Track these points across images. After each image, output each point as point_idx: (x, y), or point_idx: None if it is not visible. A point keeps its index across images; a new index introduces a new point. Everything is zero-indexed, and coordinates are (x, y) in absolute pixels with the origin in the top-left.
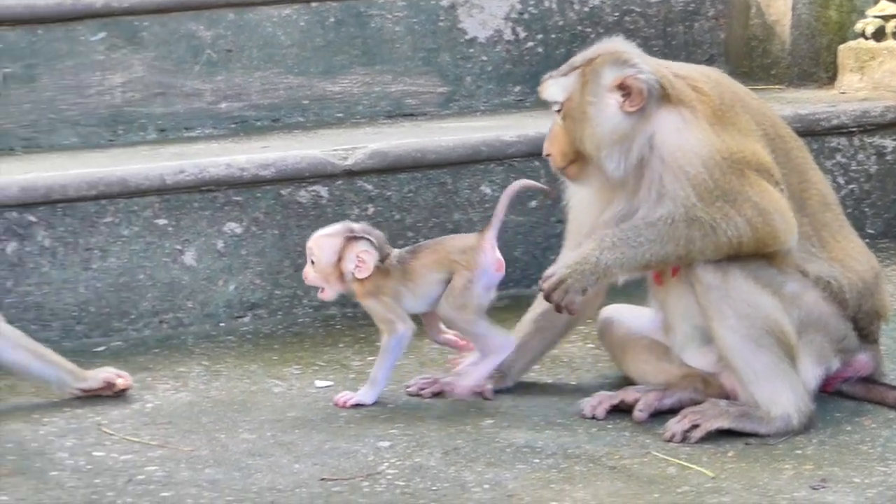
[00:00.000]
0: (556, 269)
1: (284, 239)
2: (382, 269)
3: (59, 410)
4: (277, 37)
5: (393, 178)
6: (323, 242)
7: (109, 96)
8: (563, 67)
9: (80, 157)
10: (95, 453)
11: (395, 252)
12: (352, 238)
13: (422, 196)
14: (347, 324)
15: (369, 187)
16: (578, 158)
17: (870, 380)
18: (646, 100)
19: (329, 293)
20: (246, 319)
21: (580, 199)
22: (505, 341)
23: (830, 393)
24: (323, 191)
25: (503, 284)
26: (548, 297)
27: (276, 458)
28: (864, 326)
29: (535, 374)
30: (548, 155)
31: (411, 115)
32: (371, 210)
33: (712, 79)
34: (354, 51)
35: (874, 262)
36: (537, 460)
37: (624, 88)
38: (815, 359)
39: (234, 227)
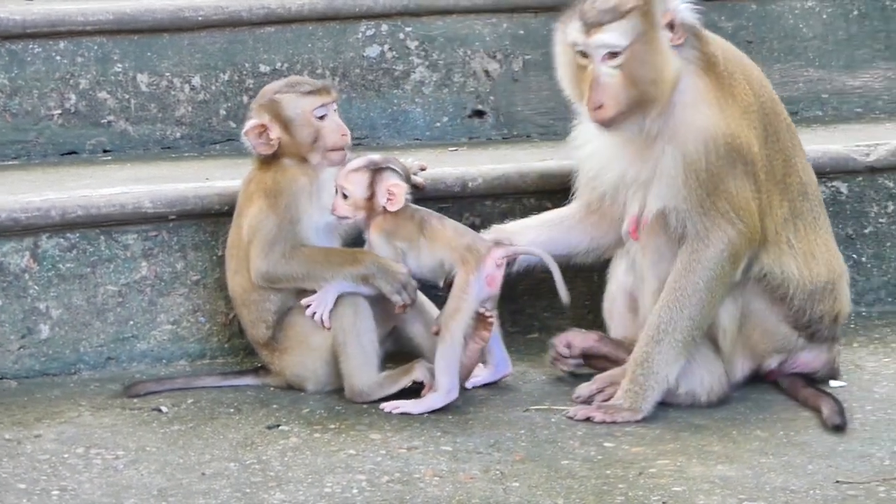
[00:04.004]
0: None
1: None
2: (408, 213)
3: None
4: (799, 29)
5: None
6: (353, 177)
7: None
8: (608, 12)
9: None
10: (606, 444)
11: (423, 209)
12: (377, 169)
13: None
14: (862, 323)
15: (890, 184)
16: (628, 109)
17: (800, 376)
18: (687, 36)
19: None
20: None
21: (595, 152)
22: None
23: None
24: (842, 187)
25: None
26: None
27: (790, 457)
28: (817, 329)
29: None
30: (598, 107)
31: None
32: (891, 208)
33: (717, 42)
34: (877, 45)
35: (836, 265)
36: None
37: (670, 24)
38: (748, 354)
39: None
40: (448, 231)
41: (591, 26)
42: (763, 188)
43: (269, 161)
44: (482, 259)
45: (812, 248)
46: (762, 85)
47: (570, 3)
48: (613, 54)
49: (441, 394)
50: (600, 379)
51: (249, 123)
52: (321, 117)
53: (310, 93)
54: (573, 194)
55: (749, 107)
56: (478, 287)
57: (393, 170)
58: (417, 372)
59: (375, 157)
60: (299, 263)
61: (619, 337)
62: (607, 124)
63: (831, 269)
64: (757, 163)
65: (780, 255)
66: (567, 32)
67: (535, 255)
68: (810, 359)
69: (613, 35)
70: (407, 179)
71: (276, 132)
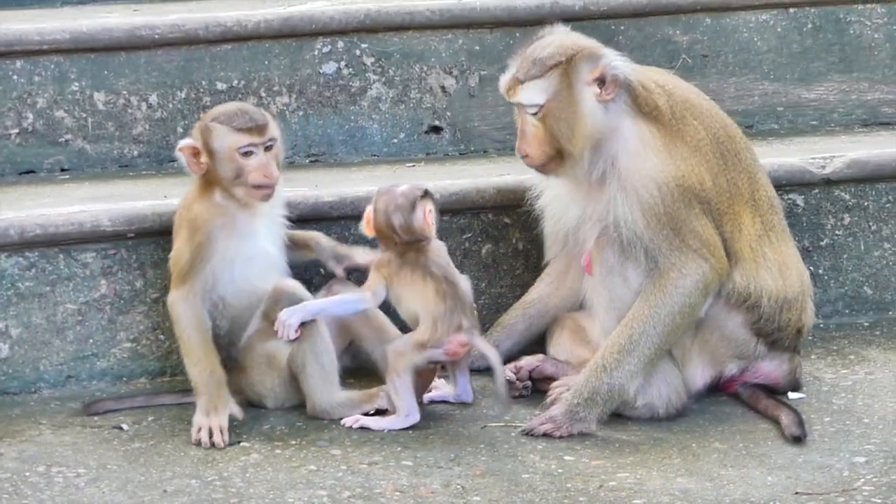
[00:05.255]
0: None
1: None
2: (397, 258)
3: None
4: (754, 42)
5: (871, 188)
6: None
7: None
8: (532, 68)
9: None
10: (566, 457)
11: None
12: (379, 191)
13: None
14: (819, 335)
15: (846, 197)
16: (556, 157)
17: (760, 387)
18: (619, 90)
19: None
20: None
21: (554, 198)
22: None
23: (731, 394)
24: (799, 199)
25: None
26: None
27: (749, 469)
28: (778, 337)
29: None
30: (525, 156)
31: (888, 123)
32: (847, 220)
33: (665, 88)
34: (831, 58)
35: (805, 277)
36: None
37: (600, 80)
38: (707, 360)
39: None
40: (429, 291)
41: (514, 81)
42: (725, 217)
43: (205, 186)
44: (449, 338)
45: (785, 258)
46: (711, 115)
47: (524, 18)
48: (535, 111)
49: (400, 417)
50: (555, 392)
51: (183, 141)
52: (246, 154)
53: (240, 130)
54: (547, 260)
55: (699, 143)
56: (434, 354)
57: (382, 198)
58: (382, 400)
59: (399, 185)
60: (178, 321)
61: (562, 359)
62: (538, 171)
63: (802, 279)
64: (712, 199)
65: (756, 270)
66: (500, 83)
67: (487, 356)
68: (771, 368)
69: (530, 94)
70: (405, 230)
71: (204, 158)
